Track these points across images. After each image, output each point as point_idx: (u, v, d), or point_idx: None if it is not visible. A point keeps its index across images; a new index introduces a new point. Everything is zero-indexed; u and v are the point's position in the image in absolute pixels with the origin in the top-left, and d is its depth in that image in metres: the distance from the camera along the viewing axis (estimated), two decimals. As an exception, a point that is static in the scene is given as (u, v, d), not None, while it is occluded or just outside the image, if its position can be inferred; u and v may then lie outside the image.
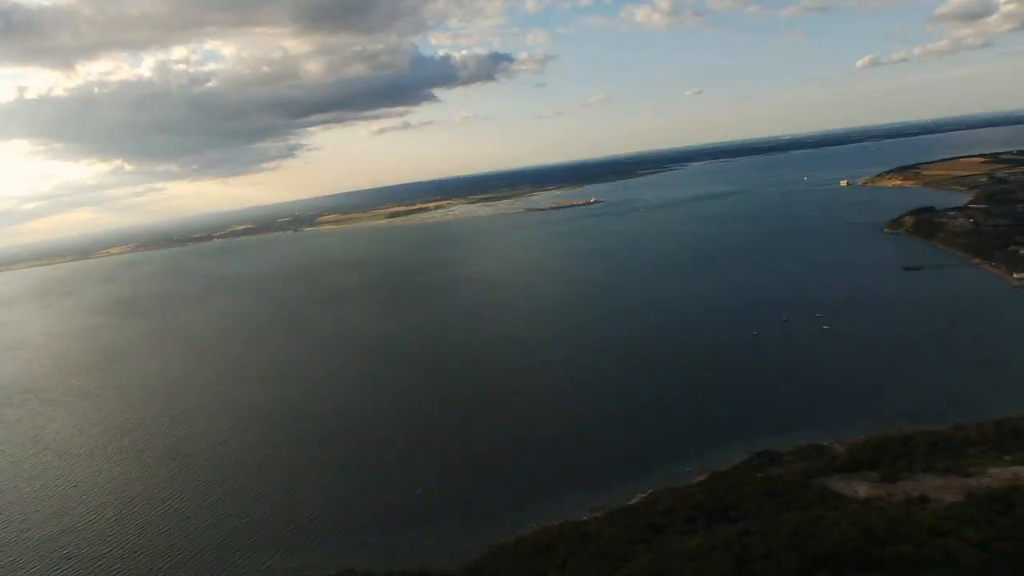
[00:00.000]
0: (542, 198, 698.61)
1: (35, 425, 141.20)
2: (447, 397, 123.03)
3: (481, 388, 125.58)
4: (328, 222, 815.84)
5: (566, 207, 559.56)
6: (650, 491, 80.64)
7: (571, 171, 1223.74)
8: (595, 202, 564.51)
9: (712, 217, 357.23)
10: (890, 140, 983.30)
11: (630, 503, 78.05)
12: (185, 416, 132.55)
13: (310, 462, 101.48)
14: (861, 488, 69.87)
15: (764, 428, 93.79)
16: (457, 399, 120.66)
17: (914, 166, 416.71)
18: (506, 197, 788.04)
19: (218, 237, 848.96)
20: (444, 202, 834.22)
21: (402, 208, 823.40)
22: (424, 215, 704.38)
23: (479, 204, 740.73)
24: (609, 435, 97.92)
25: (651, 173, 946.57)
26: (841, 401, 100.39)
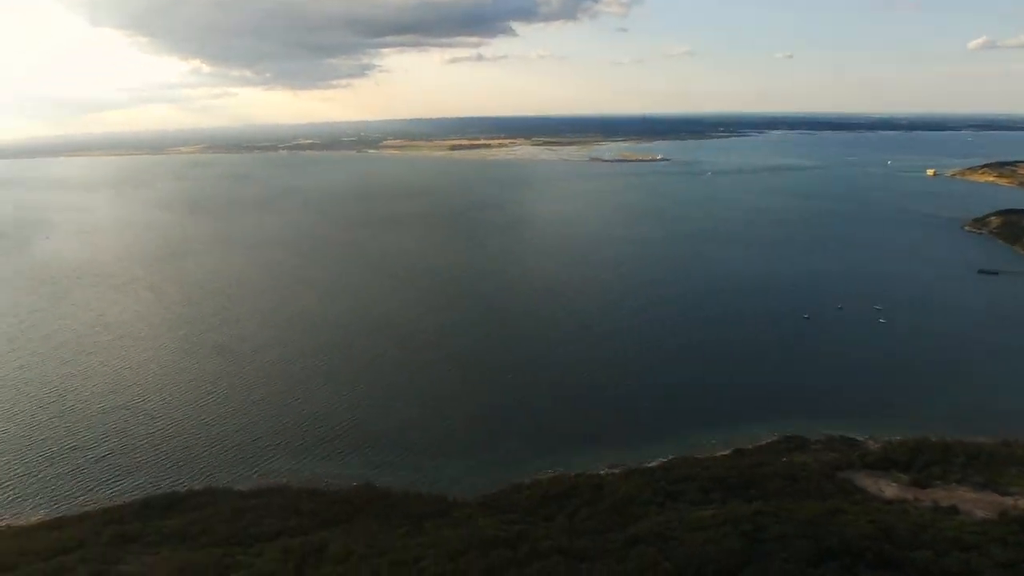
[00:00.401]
0: (608, 149, 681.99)
1: (100, 307, 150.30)
2: (487, 337, 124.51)
3: (522, 334, 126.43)
4: (391, 147, 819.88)
5: (632, 161, 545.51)
6: (671, 457, 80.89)
7: (642, 124, 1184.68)
8: (662, 159, 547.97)
9: (782, 190, 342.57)
10: (992, 132, 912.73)
11: (648, 465, 78.56)
12: (237, 318, 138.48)
13: (348, 378, 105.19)
14: (889, 488, 68.29)
15: (799, 413, 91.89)
16: (497, 341, 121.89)
17: (1013, 163, 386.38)
18: (571, 143, 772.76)
19: (284, 149, 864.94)
20: (507, 141, 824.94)
21: (465, 142, 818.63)
22: (485, 151, 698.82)
23: (542, 147, 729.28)
24: (640, 399, 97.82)
25: (726, 136, 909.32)
26: (884, 397, 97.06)
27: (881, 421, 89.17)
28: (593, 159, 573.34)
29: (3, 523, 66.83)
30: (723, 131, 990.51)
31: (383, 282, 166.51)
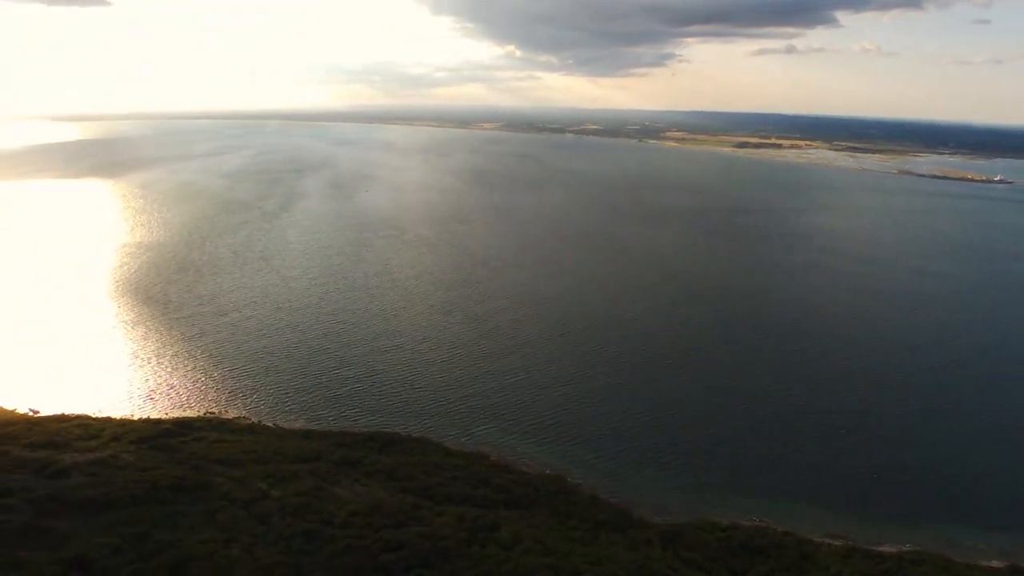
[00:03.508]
0: (926, 161, 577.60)
1: (385, 257, 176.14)
2: (734, 353, 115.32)
3: (775, 358, 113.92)
4: (673, 138, 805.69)
5: (955, 179, 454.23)
6: (912, 548, 66.64)
7: (979, 135, 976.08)
8: (1001, 182, 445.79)
9: None
10: None
11: (879, 549, 65.77)
12: (493, 290, 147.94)
13: (578, 370, 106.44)
14: None
15: None
16: (744, 360, 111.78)
17: None
18: (879, 151, 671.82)
19: (570, 132, 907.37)
20: (802, 142, 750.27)
21: (753, 139, 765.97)
22: (774, 152, 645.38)
23: (842, 152, 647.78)
24: (895, 466, 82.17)
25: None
26: None
27: None
28: (903, 171, 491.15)
29: (274, 422, 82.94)
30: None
31: (637, 279, 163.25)
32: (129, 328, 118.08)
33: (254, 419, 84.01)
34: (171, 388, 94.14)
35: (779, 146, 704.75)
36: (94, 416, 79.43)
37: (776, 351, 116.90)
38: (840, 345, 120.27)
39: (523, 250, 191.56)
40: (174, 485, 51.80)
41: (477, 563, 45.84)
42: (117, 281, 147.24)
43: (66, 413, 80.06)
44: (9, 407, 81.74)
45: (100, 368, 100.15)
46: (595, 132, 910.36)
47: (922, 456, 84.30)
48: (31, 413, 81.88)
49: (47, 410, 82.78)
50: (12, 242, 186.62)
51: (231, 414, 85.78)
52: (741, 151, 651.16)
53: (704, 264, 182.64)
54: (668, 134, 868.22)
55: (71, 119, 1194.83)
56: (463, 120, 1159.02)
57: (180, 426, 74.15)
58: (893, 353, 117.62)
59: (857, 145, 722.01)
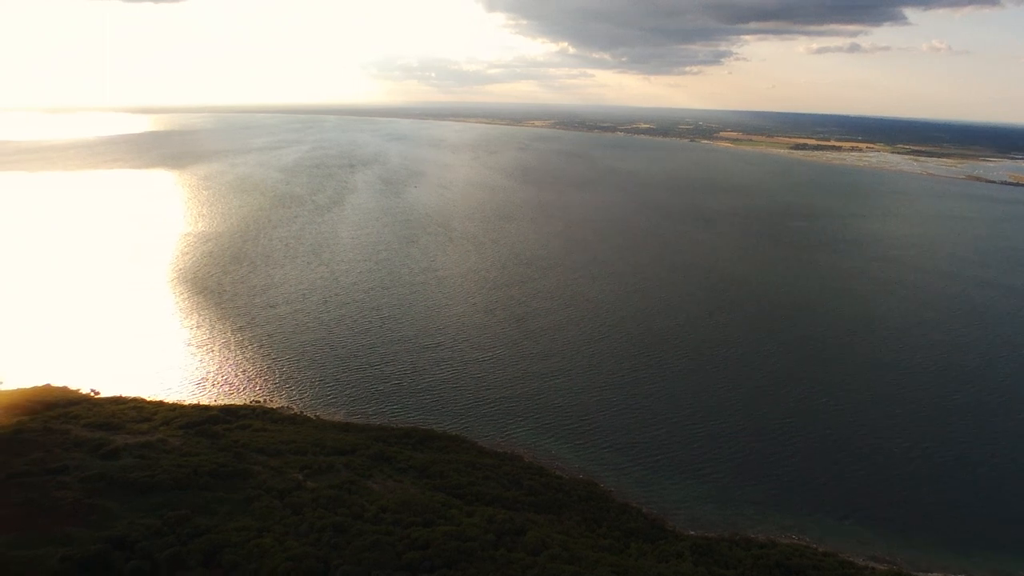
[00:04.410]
0: (998, 167, 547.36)
1: (431, 253, 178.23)
2: (775, 363, 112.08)
3: (820, 373, 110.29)
4: (726, 139, 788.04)
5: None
6: (963, 578, 63.38)
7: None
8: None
9: None
10: None
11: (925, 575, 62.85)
12: (537, 291, 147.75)
13: (619, 377, 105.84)
14: None
15: None
16: (788, 372, 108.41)
17: None
18: (946, 155, 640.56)
19: (621, 131, 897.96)
20: (863, 145, 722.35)
21: (811, 141, 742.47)
22: (832, 155, 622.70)
23: (906, 156, 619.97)
24: (955, 487, 78.41)
25: None
26: None
27: None
28: (972, 177, 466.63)
29: (315, 414, 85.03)
30: None
31: (684, 284, 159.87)
32: (185, 315, 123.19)
33: (296, 409, 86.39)
34: (221, 375, 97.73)
35: (838, 149, 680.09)
36: (148, 399, 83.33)
37: (827, 366, 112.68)
38: (894, 364, 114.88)
39: (569, 251, 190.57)
40: (215, 471, 53.80)
41: (502, 567, 45.99)
42: (177, 269, 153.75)
43: (123, 395, 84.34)
44: (74, 387, 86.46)
45: (157, 353, 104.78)
46: (647, 131, 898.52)
47: (979, 483, 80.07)
48: (92, 393, 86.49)
49: (107, 391, 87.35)
50: (85, 228, 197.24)
51: (275, 403, 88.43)
52: (798, 153, 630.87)
53: (754, 271, 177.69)
54: (722, 134, 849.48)
55: (143, 111, 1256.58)
56: (514, 117, 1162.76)
57: (226, 413, 77.02)
58: (952, 375, 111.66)
59: (922, 149, 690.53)
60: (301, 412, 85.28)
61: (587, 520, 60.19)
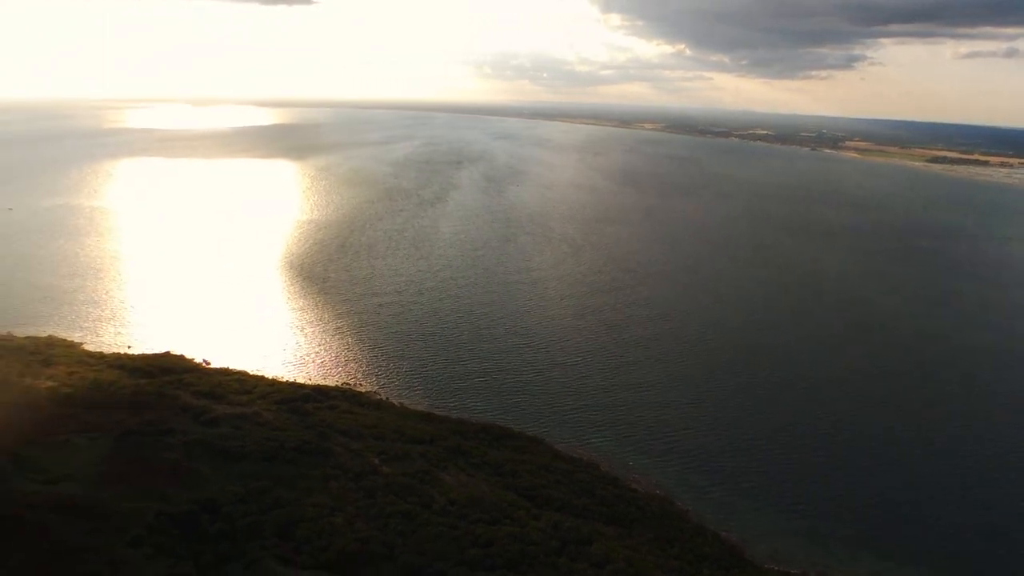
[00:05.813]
0: None
1: (528, 254, 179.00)
2: (886, 392, 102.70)
3: (937, 406, 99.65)
4: (854, 148, 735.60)
5: None
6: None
7: None
8: None
9: None
10: None
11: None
12: (632, 300, 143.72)
13: (727, 397, 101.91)
14: None
15: None
16: (901, 404, 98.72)
17: None
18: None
19: (736, 136, 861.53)
20: (1015, 160, 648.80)
21: (952, 154, 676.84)
22: (977, 169, 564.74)
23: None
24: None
25: None
26: None
27: None
28: None
29: (399, 401, 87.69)
30: None
31: (791, 302, 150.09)
32: (292, 298, 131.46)
33: (383, 395, 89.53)
34: (317, 357, 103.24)
35: (984, 163, 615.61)
36: (251, 373, 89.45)
37: (946, 399, 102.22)
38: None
39: (670, 259, 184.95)
40: (299, 447, 56.74)
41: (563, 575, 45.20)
42: (289, 255, 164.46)
43: (230, 368, 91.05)
44: (190, 356, 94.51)
45: (263, 330, 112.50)
46: (764, 137, 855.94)
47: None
48: (204, 363, 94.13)
49: (216, 362, 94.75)
50: (213, 212, 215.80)
51: (364, 388, 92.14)
52: (936, 166, 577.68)
53: (873, 292, 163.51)
54: (849, 143, 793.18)
55: (271, 104, 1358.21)
56: (623, 119, 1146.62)
57: (318, 393, 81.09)
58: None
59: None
60: (386, 398, 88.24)
61: (658, 539, 57.98)
